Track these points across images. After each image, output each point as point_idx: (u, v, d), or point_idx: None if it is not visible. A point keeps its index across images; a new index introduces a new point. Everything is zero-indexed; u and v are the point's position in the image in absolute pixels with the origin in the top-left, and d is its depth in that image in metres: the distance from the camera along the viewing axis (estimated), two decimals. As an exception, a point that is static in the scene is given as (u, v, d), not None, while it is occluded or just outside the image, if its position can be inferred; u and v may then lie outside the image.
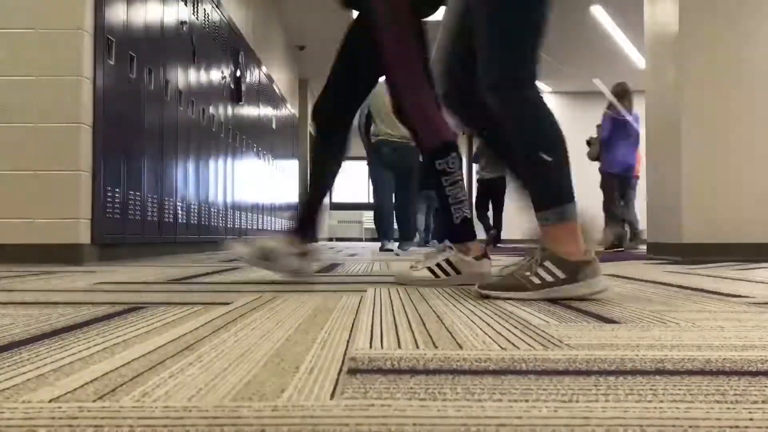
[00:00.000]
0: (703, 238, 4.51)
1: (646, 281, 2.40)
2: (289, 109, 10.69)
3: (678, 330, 1.20)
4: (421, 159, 5.56)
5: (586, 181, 12.74)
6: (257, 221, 8.02)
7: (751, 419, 0.64)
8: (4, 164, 3.69)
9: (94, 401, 0.69)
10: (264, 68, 8.38)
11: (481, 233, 6.54)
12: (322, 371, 0.84)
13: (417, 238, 8.47)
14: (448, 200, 2.34)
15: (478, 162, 9.25)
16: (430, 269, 2.30)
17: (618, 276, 2.70)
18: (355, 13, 2.56)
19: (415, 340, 1.09)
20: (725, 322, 1.31)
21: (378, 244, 7.34)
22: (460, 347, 1.02)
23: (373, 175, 6.49)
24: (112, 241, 3.93)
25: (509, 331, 1.19)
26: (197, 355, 0.95)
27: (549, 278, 1.74)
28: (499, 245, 8.93)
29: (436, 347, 1.02)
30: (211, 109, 6.06)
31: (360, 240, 17.74)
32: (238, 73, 6.76)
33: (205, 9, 5.89)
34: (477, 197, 9.09)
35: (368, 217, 18.53)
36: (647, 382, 0.79)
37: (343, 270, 3.20)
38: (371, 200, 6.37)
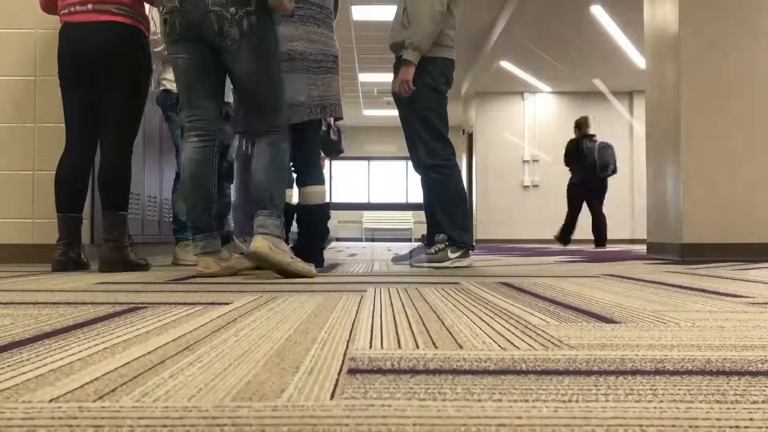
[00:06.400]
0: (703, 238, 4.51)
1: (646, 281, 2.40)
2: (289, 109, 10.70)
3: (678, 330, 1.20)
4: None
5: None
6: (257, 221, 8.01)
7: (751, 419, 0.64)
8: (2, 164, 3.69)
9: (94, 401, 0.69)
10: (264, 68, 8.37)
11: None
12: (322, 371, 0.84)
13: None
14: None
15: None
16: None
17: (618, 276, 2.70)
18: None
19: (415, 340, 1.09)
20: (725, 322, 1.31)
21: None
22: (460, 347, 1.02)
23: None
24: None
25: (509, 331, 1.19)
26: (197, 355, 0.95)
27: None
28: None
29: (436, 347, 1.02)
30: (211, 109, 6.03)
31: (360, 240, 17.75)
32: (238, 73, 6.76)
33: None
34: None
35: (368, 218, 18.66)
36: (647, 382, 0.79)
37: (343, 270, 3.20)
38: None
